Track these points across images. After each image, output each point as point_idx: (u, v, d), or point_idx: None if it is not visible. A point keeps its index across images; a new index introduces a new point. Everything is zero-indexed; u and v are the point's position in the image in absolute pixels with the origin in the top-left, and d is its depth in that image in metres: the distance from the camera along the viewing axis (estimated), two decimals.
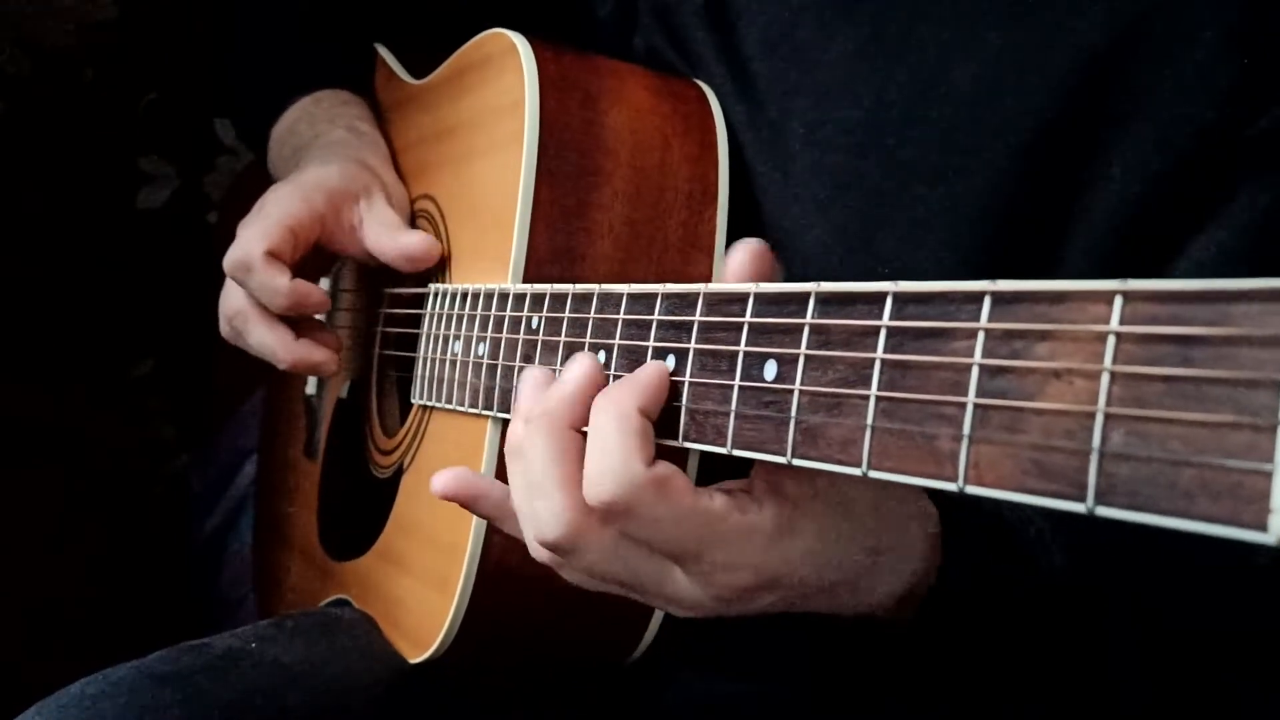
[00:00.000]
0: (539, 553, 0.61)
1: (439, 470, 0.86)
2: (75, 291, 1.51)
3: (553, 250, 0.80)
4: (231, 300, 0.94)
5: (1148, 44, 0.72)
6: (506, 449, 0.63)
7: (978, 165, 0.76)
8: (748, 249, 0.58)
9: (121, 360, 1.53)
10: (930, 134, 0.78)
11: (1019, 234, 0.76)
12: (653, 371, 0.58)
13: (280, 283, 0.89)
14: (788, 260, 0.84)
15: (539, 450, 0.59)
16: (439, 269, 0.92)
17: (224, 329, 0.97)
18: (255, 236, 0.89)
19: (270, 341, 0.93)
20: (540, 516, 0.59)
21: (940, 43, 0.78)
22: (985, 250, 0.76)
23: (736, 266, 0.58)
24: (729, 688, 0.90)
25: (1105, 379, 0.37)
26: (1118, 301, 0.37)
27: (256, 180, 1.07)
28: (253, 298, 0.91)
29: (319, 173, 0.94)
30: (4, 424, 1.45)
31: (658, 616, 0.84)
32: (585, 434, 0.58)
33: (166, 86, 1.51)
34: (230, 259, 0.90)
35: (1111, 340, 0.37)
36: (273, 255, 0.89)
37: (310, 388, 1.16)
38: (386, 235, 0.92)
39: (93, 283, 1.52)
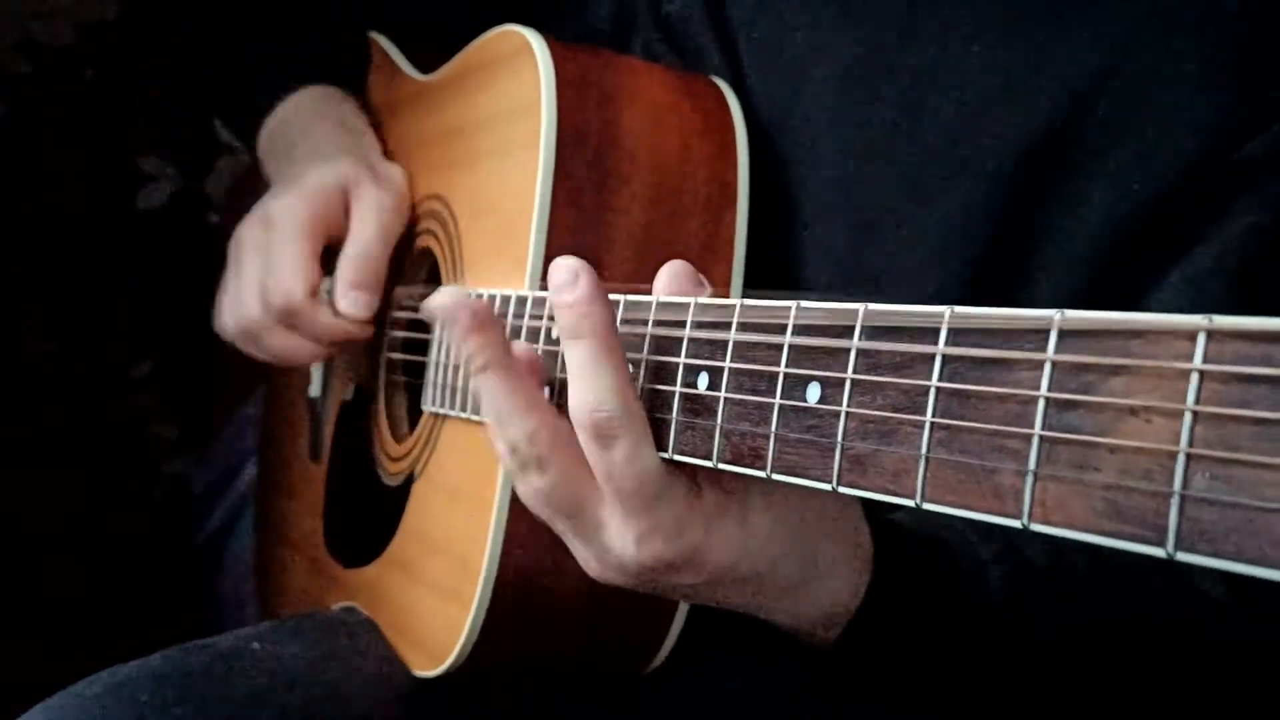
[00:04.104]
0: (506, 457, 0.64)
1: (455, 481, 0.85)
2: (75, 292, 1.50)
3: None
4: (249, 312, 0.95)
5: (1133, 72, 0.74)
6: None
7: (963, 185, 0.78)
8: (668, 272, 0.62)
9: (121, 361, 1.51)
10: (917, 154, 0.79)
11: (1004, 251, 0.77)
12: (589, 283, 0.60)
13: (328, 320, 0.93)
14: (781, 272, 0.85)
15: (492, 388, 0.62)
16: (451, 272, 0.91)
17: (232, 335, 0.98)
18: (289, 278, 0.92)
19: (293, 345, 0.95)
20: (512, 441, 0.62)
21: (928, 65, 0.80)
22: (972, 266, 0.78)
23: (659, 288, 0.62)
24: (734, 686, 0.89)
25: (1188, 418, 0.35)
26: (1201, 338, 0.35)
27: (257, 181, 1.07)
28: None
29: (317, 173, 0.97)
30: (4, 425, 1.44)
31: (678, 622, 0.82)
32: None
33: (166, 86, 1.50)
34: (276, 307, 0.92)
35: (1195, 378, 0.35)
36: (313, 293, 0.92)
37: (314, 389, 1.14)
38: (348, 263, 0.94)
39: (93, 283, 1.51)
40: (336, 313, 0.94)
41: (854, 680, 0.71)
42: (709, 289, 0.62)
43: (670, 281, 0.62)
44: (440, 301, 0.65)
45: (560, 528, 0.64)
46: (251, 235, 0.96)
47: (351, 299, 0.93)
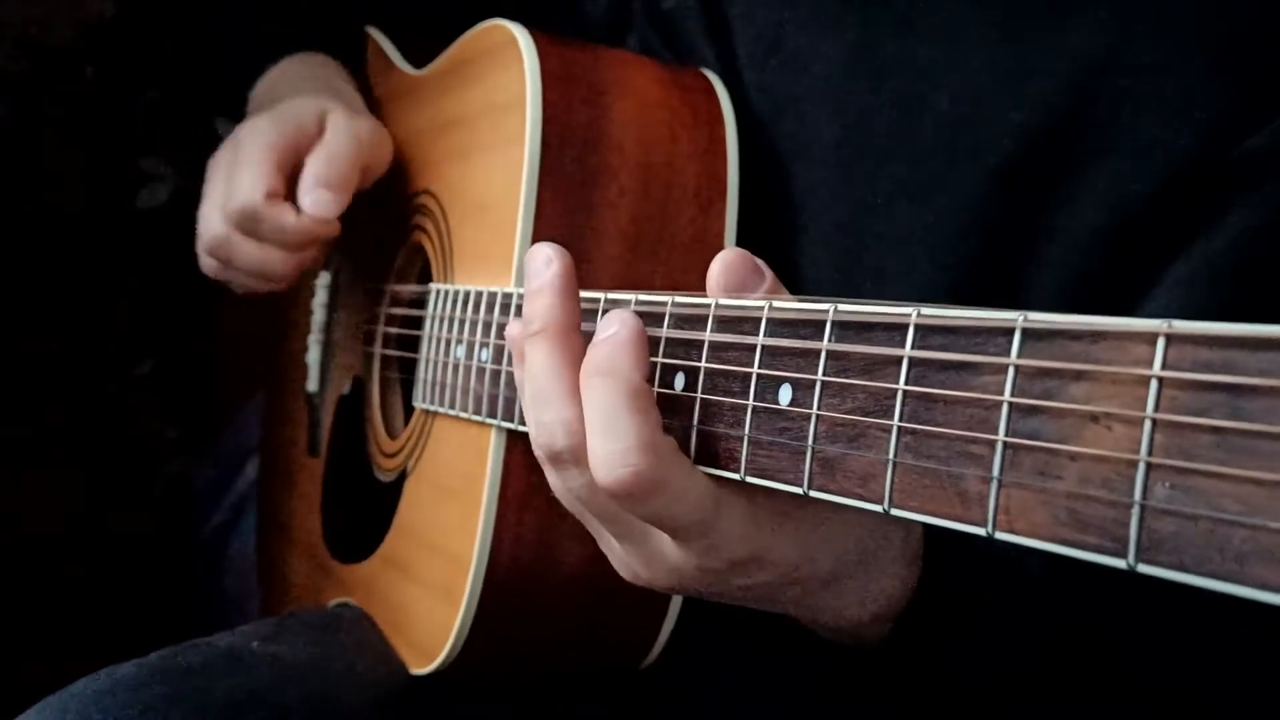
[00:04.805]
0: (545, 460, 0.59)
1: (445, 477, 0.84)
2: (75, 291, 1.50)
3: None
4: (212, 228, 0.92)
5: (1131, 67, 0.73)
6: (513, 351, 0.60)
7: (958, 183, 0.77)
8: (723, 262, 0.57)
9: (122, 360, 1.51)
10: (913, 151, 0.78)
11: (1000, 249, 0.76)
12: (634, 327, 0.55)
13: (289, 220, 0.88)
14: (778, 268, 0.84)
15: (540, 361, 0.57)
16: (441, 268, 0.90)
17: (206, 264, 0.96)
18: (248, 184, 0.88)
19: (261, 255, 0.91)
20: (548, 428, 0.57)
21: (924, 62, 0.79)
22: (969, 262, 0.77)
23: (713, 282, 0.57)
24: (730, 681, 0.89)
25: (1147, 426, 0.34)
26: (1160, 343, 0.34)
27: None
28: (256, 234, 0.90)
29: (293, 102, 0.95)
30: (4, 425, 1.45)
31: (671, 617, 0.82)
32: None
33: (167, 86, 1.50)
34: (232, 212, 0.89)
35: (1154, 385, 0.34)
36: (272, 196, 0.88)
37: (311, 384, 1.14)
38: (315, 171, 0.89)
39: (93, 283, 1.51)
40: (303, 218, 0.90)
41: (901, 675, 0.70)
42: (769, 276, 0.56)
43: (724, 273, 0.56)
44: (535, 248, 0.59)
45: (597, 527, 0.61)
46: (219, 160, 0.95)
47: (315, 196, 0.88)
